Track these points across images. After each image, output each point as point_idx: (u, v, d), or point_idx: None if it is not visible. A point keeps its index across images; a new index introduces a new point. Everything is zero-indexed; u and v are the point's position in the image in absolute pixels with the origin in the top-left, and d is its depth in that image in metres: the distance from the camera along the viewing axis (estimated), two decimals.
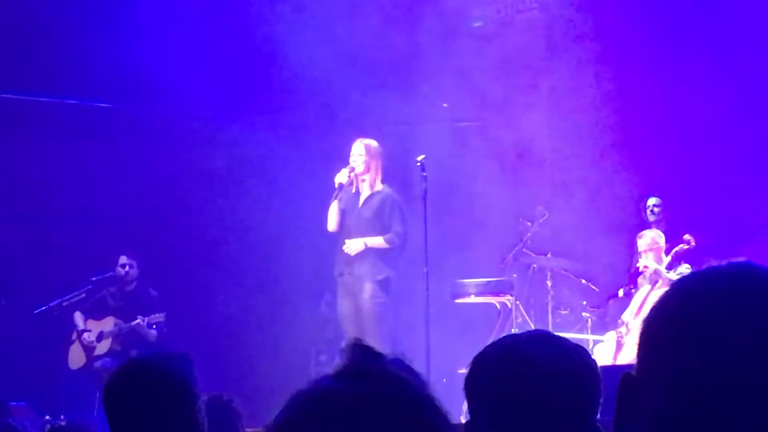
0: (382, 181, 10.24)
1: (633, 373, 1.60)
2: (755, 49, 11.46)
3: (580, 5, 12.01)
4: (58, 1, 11.65)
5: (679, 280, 1.63)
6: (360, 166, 10.14)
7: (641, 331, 1.61)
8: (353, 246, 10.04)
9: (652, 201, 11.39)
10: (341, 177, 10.09)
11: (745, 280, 1.55)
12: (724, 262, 1.62)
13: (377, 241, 10.05)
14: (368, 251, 10.04)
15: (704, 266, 1.63)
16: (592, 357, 2.61)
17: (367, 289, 10.02)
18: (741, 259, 1.63)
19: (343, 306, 10.18)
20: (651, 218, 11.31)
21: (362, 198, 10.20)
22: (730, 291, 1.54)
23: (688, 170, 11.76)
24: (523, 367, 2.47)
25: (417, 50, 12.13)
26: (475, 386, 2.56)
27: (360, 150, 10.16)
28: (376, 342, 9.71)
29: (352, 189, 10.22)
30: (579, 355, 2.56)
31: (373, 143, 10.23)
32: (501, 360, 2.52)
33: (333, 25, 12.06)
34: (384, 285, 10.07)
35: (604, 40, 11.87)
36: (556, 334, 2.71)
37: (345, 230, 10.17)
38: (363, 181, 10.20)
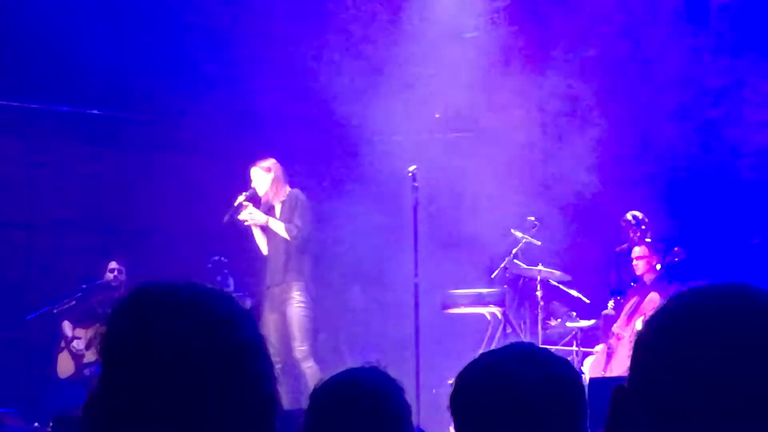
0: (291, 187, 10.62)
1: (625, 385, 1.60)
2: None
3: (573, 15, 12.01)
4: (48, 9, 11.61)
5: (676, 295, 1.62)
6: (263, 188, 10.52)
7: (635, 344, 1.60)
8: (256, 216, 10.38)
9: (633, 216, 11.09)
10: (239, 200, 10.46)
11: (742, 298, 1.55)
12: (719, 281, 1.62)
13: (278, 225, 10.39)
14: (287, 262, 10.37)
15: (700, 283, 1.62)
16: (576, 368, 2.60)
17: (295, 296, 10.33)
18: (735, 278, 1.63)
19: (269, 320, 10.39)
20: (638, 232, 11.01)
21: (277, 211, 10.53)
22: (727, 309, 1.54)
23: (680, 183, 11.76)
24: (507, 383, 2.47)
25: (408, 60, 12.14)
26: (460, 405, 2.55)
27: (256, 174, 10.54)
28: (300, 343, 10.13)
29: (264, 208, 10.57)
30: (562, 368, 2.56)
31: (267, 162, 10.57)
32: (485, 378, 2.51)
33: (326, 38, 12.08)
34: (306, 290, 10.38)
35: (600, 48, 11.88)
36: (539, 346, 2.71)
37: (271, 245, 10.53)
38: (273, 197, 10.54)
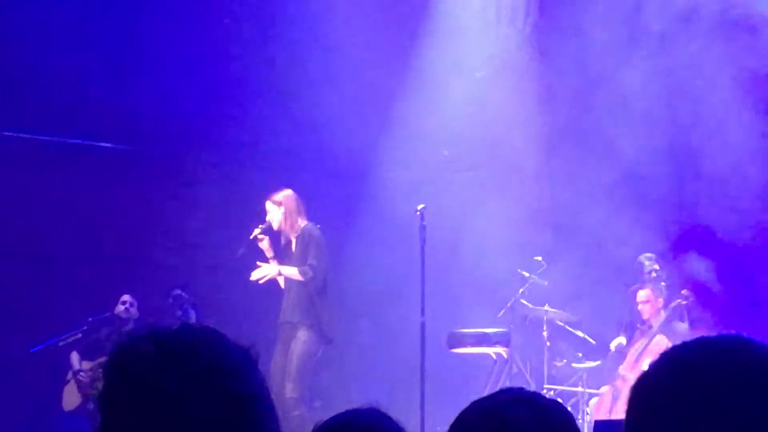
0: (308, 220, 10.56)
1: None
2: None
3: (582, 53, 12.01)
4: (60, 40, 11.67)
5: (671, 349, 1.63)
6: (275, 222, 10.44)
7: (630, 397, 1.61)
8: (267, 271, 10.30)
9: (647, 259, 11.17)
10: (254, 233, 10.42)
11: (735, 353, 1.56)
12: (714, 333, 1.62)
13: (291, 271, 10.33)
14: (299, 300, 10.32)
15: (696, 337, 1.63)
16: (569, 411, 2.61)
17: (301, 335, 10.26)
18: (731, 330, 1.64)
19: (276, 356, 10.32)
20: (650, 276, 11.08)
21: (293, 246, 10.49)
22: (720, 364, 1.54)
23: (689, 222, 11.72)
24: (502, 427, 2.47)
25: (418, 98, 12.18)
26: None
27: (269, 208, 10.48)
28: (293, 386, 9.71)
29: (282, 242, 10.57)
30: (557, 413, 2.56)
31: (279, 196, 10.50)
32: (481, 425, 2.51)
33: (337, 74, 12.12)
34: (316, 330, 10.30)
35: (608, 85, 11.87)
36: (530, 390, 2.71)
37: (286, 281, 10.49)
38: (287, 231, 10.50)
